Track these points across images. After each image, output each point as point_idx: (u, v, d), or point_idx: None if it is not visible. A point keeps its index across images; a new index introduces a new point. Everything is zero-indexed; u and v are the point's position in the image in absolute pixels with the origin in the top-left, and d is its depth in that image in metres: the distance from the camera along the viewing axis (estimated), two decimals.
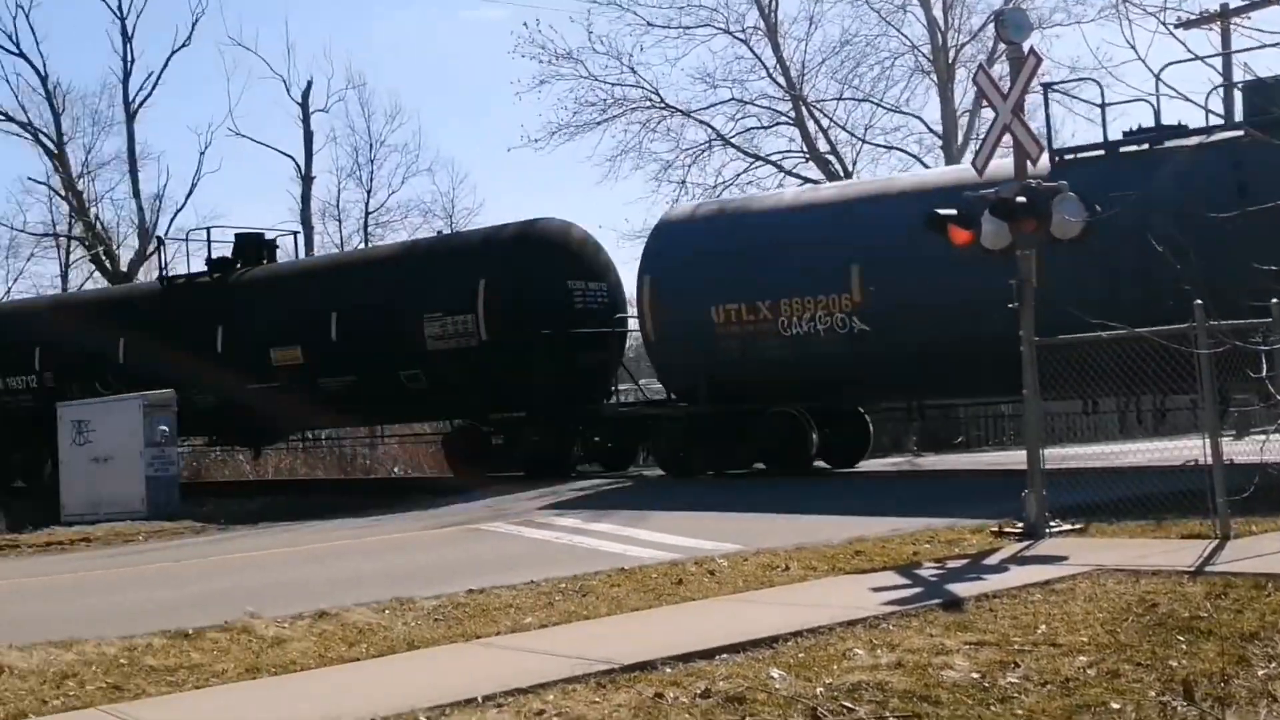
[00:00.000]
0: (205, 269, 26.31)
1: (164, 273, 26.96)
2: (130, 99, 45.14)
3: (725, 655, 6.68)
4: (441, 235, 28.51)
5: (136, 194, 45.37)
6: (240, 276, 25.57)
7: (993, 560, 9.62)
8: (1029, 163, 11.01)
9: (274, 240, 27.06)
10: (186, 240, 27.84)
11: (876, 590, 8.39)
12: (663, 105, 36.02)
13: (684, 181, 35.51)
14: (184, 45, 48.49)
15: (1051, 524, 10.60)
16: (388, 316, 21.79)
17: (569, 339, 20.51)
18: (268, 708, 6.23)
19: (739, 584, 9.18)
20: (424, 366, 21.44)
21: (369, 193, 47.03)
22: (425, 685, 6.34)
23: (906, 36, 35.41)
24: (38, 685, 6.89)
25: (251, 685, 6.78)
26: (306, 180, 45.24)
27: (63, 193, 46.33)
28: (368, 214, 46.71)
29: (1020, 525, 10.62)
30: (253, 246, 26.44)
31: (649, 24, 35.47)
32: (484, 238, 23.80)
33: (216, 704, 6.41)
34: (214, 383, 23.63)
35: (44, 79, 45.04)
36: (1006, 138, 10.98)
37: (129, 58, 45.05)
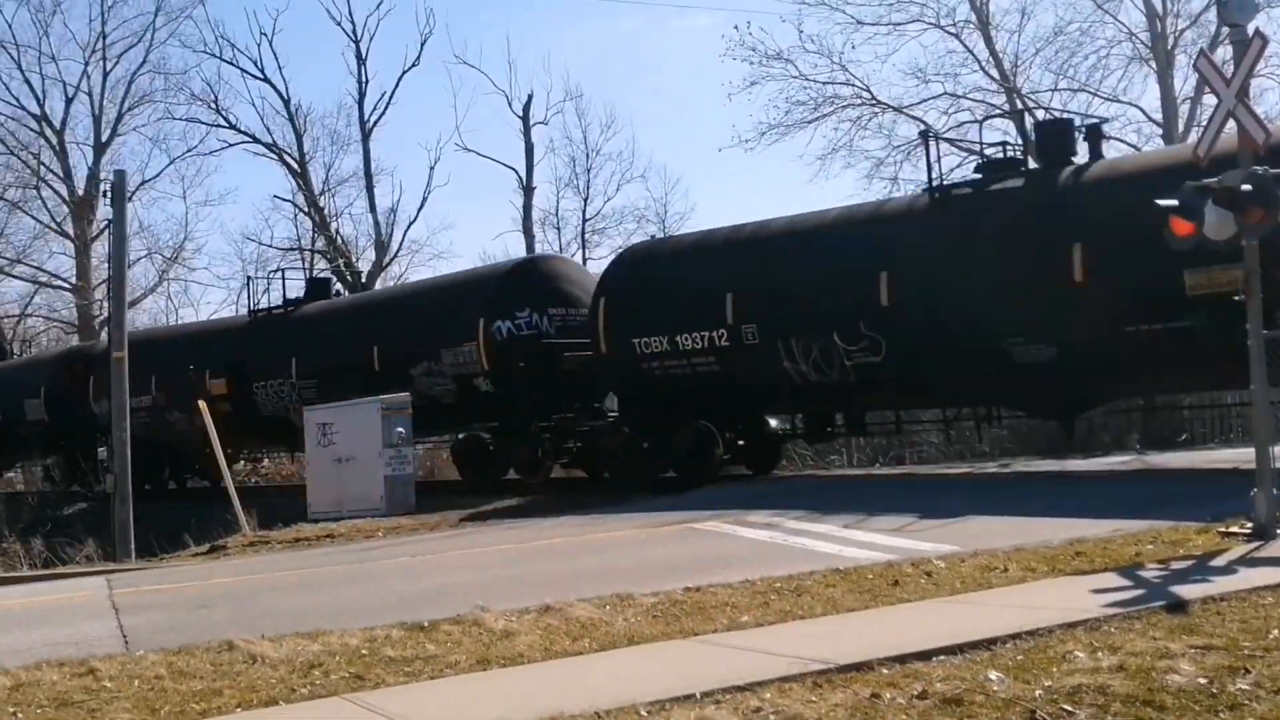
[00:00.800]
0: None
1: (936, 179, 18.53)
2: (365, 118, 47.65)
3: (942, 656, 6.66)
4: None
5: (373, 208, 47.81)
6: (1086, 171, 17.18)
7: (1219, 562, 9.24)
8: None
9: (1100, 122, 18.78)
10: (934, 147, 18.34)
11: (1097, 592, 8.18)
12: (873, 102, 35.66)
13: (895, 178, 35.08)
14: (413, 65, 51.13)
15: None
16: None
17: None
18: (497, 699, 6.48)
19: (956, 585, 9.09)
20: None
21: (585, 201, 48.13)
22: (645, 680, 6.53)
23: (1123, 23, 34.19)
24: (287, 674, 7.31)
25: (482, 676, 7.07)
26: (527, 191, 46.70)
27: (306, 209, 49.04)
28: (584, 221, 47.84)
29: (1249, 526, 10.16)
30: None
31: (859, 22, 35.22)
32: None
33: (450, 694, 6.71)
34: (1058, 326, 16.31)
35: (286, 102, 47.92)
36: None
37: (363, 79, 47.53)
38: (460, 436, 24.84)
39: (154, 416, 28.88)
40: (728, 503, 16.08)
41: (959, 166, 34.55)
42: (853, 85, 35.75)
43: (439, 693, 6.77)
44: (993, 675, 6.16)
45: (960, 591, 8.87)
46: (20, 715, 6.70)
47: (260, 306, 28.81)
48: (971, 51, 35.12)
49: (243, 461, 33.63)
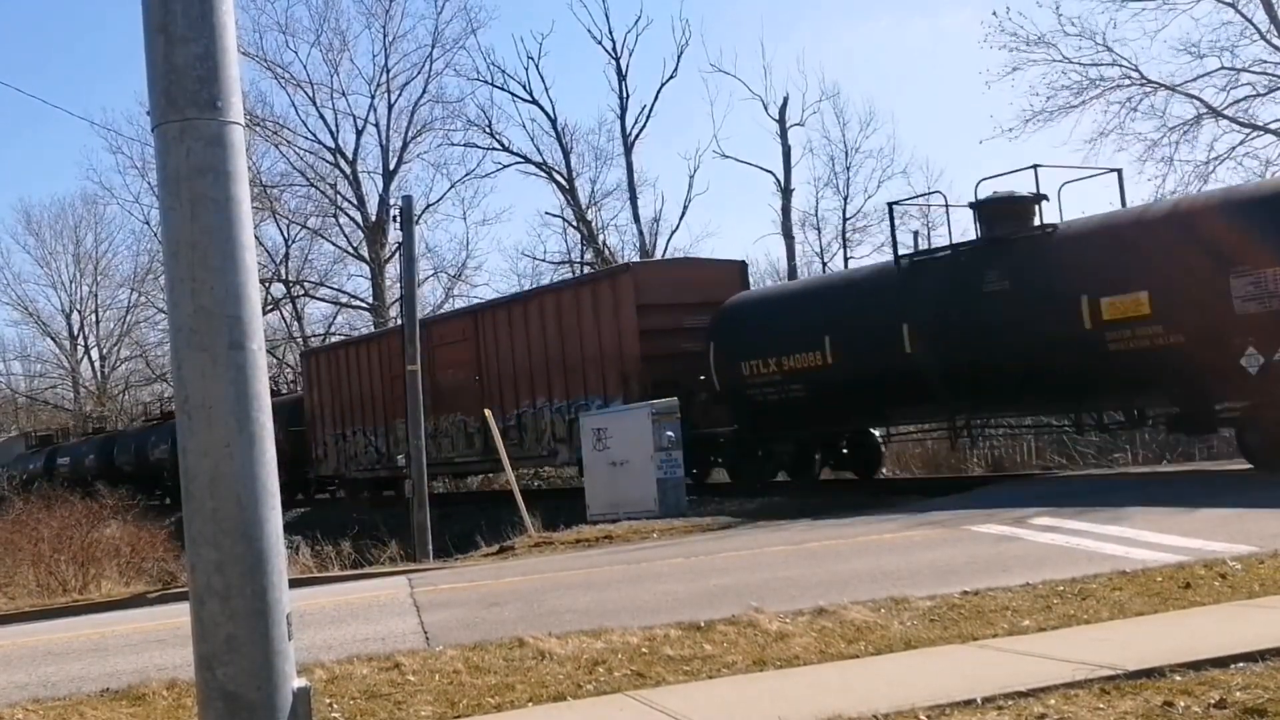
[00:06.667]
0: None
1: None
2: (627, 132, 49.00)
3: (1241, 664, 6.36)
4: None
5: (636, 219, 49.14)
6: None
7: None
8: None
9: None
10: None
11: None
12: (1143, 81, 33.95)
13: (1171, 159, 33.29)
14: (671, 77, 52.42)
15: None
16: None
17: None
18: (774, 699, 6.57)
19: (1254, 588, 8.58)
20: None
21: (845, 200, 47.77)
22: (923, 684, 6.49)
23: None
24: (573, 670, 7.56)
25: (759, 677, 7.16)
26: (786, 193, 46.79)
27: (575, 223, 50.75)
28: (845, 220, 47.49)
29: None
30: None
31: None
32: None
33: (728, 693, 6.82)
34: None
35: (554, 122, 49.81)
36: None
37: (624, 94, 48.93)
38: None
39: None
40: (1001, 503, 15.66)
41: (1241, 144, 32.74)
42: (1120, 65, 34.06)
43: (717, 692, 6.89)
44: None
45: (1259, 595, 8.38)
46: (334, 705, 7.18)
47: None
48: (1250, 20, 32.88)
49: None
